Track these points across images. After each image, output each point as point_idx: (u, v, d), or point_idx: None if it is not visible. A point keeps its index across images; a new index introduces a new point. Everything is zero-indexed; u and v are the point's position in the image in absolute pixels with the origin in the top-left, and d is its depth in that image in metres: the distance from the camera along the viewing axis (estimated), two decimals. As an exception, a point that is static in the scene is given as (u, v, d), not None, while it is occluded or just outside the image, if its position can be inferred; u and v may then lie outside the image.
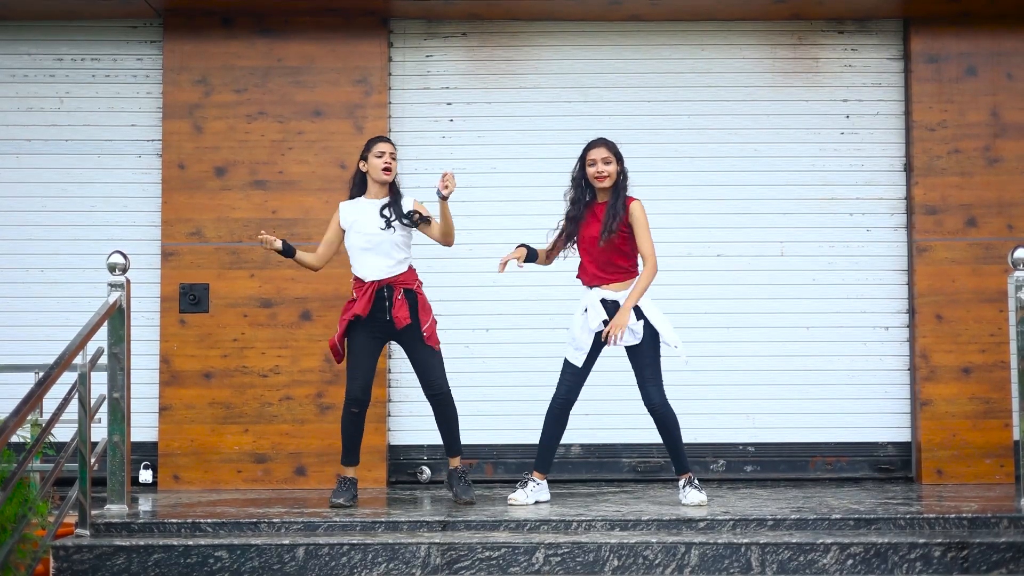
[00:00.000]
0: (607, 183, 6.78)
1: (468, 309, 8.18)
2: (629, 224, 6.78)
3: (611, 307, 6.76)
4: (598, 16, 8.27)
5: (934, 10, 8.12)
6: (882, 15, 8.29)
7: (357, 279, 6.91)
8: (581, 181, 6.89)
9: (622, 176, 6.85)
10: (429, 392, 6.92)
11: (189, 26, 8.15)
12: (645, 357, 6.74)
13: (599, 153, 6.80)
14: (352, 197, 7.06)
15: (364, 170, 7.00)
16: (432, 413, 7.00)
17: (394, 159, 7.00)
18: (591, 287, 6.84)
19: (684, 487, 6.75)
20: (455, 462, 6.98)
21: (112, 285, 6.33)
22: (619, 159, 6.84)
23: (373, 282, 6.84)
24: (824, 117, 8.35)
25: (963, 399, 8.02)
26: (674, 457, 6.82)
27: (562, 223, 6.95)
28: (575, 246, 6.93)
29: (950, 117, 8.16)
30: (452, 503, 6.84)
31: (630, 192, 6.87)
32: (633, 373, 6.80)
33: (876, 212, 8.29)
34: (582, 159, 6.87)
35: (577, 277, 6.93)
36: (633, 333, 6.70)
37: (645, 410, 7.98)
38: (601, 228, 6.73)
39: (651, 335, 6.72)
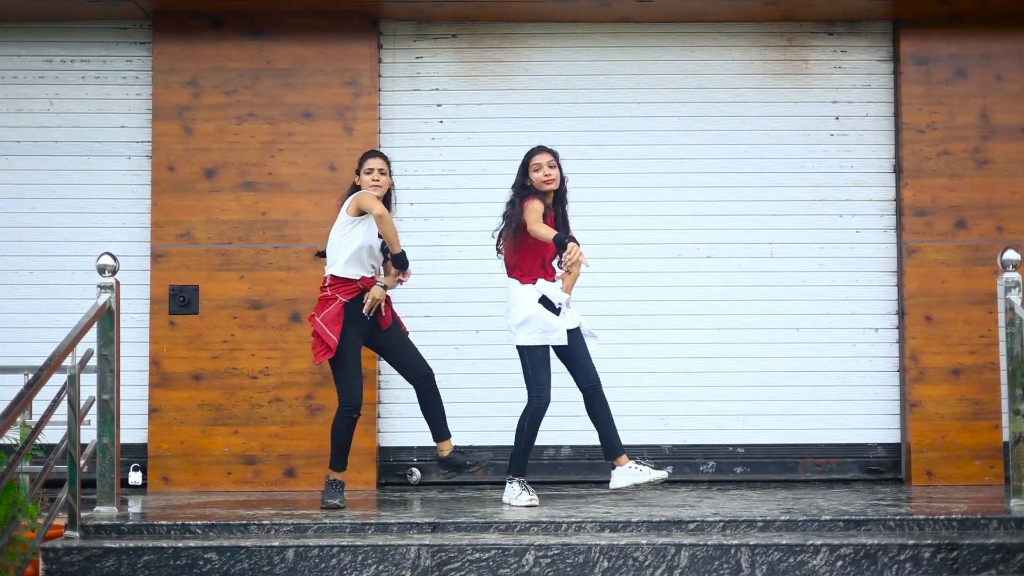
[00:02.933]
0: (553, 186, 6.93)
1: (457, 311, 8.18)
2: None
3: (544, 300, 6.95)
4: (588, 18, 8.28)
5: (923, 12, 8.14)
6: (872, 17, 8.30)
7: (339, 279, 6.89)
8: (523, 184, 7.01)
9: (564, 182, 7.06)
10: (419, 374, 7.08)
11: (179, 28, 8.14)
12: (579, 341, 6.97)
13: (544, 158, 6.94)
14: None
15: (358, 184, 7.05)
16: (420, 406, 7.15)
17: (384, 174, 7.04)
18: (535, 281, 6.95)
19: (636, 467, 6.90)
20: (448, 446, 7.09)
21: (102, 287, 6.32)
22: (560, 166, 7.00)
23: (358, 281, 6.90)
24: (814, 119, 8.36)
25: (953, 400, 8.04)
26: (615, 439, 6.94)
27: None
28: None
29: (940, 119, 8.18)
30: (443, 504, 6.84)
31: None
32: (569, 367, 6.99)
33: (866, 213, 8.30)
34: (525, 166, 7.01)
35: (517, 277, 6.96)
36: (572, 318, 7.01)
37: (635, 412, 8.07)
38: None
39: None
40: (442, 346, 8.09)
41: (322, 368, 7.93)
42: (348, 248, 6.87)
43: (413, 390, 7.12)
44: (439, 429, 7.10)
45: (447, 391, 7.70)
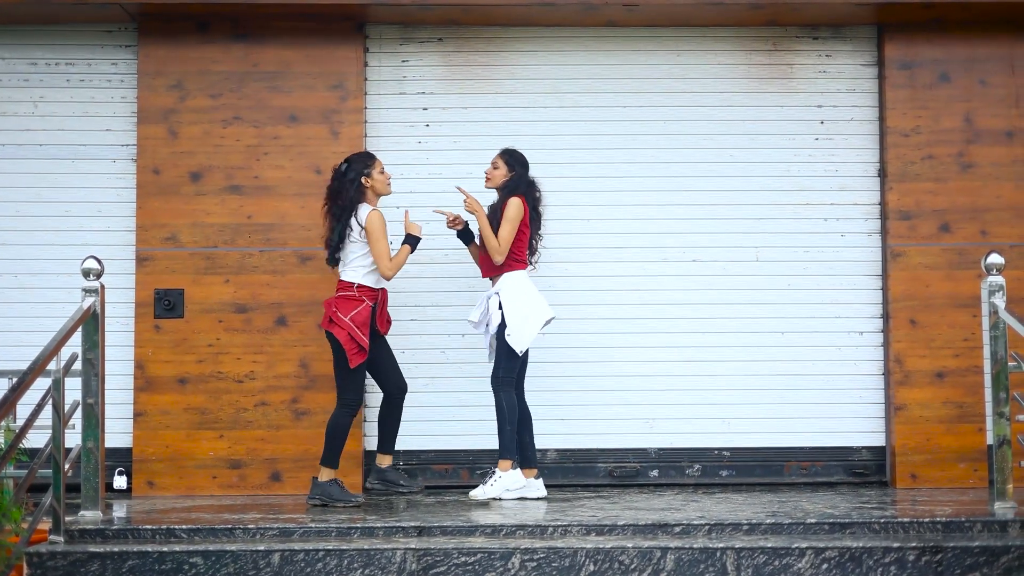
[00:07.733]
0: (490, 184, 7.50)
1: (444, 314, 8.16)
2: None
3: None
4: (574, 22, 8.28)
5: (908, 17, 8.16)
6: (856, 22, 8.33)
7: (366, 287, 7.20)
8: None
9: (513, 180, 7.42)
10: (398, 386, 7.43)
11: (164, 31, 8.13)
12: (501, 346, 7.23)
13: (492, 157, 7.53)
14: None
15: (369, 185, 7.29)
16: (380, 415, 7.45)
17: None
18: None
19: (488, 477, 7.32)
20: (388, 460, 7.46)
21: (86, 290, 6.30)
22: (509, 165, 7.44)
23: (379, 291, 7.29)
24: (799, 123, 8.38)
25: (937, 403, 8.06)
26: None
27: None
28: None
29: (924, 123, 8.21)
30: (429, 508, 6.83)
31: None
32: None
33: (850, 217, 8.32)
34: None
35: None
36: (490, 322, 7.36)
37: (621, 415, 8.12)
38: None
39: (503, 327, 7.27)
40: (428, 349, 8.09)
41: (308, 371, 7.92)
42: (369, 261, 7.14)
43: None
44: (388, 443, 7.43)
45: (433, 394, 7.75)
